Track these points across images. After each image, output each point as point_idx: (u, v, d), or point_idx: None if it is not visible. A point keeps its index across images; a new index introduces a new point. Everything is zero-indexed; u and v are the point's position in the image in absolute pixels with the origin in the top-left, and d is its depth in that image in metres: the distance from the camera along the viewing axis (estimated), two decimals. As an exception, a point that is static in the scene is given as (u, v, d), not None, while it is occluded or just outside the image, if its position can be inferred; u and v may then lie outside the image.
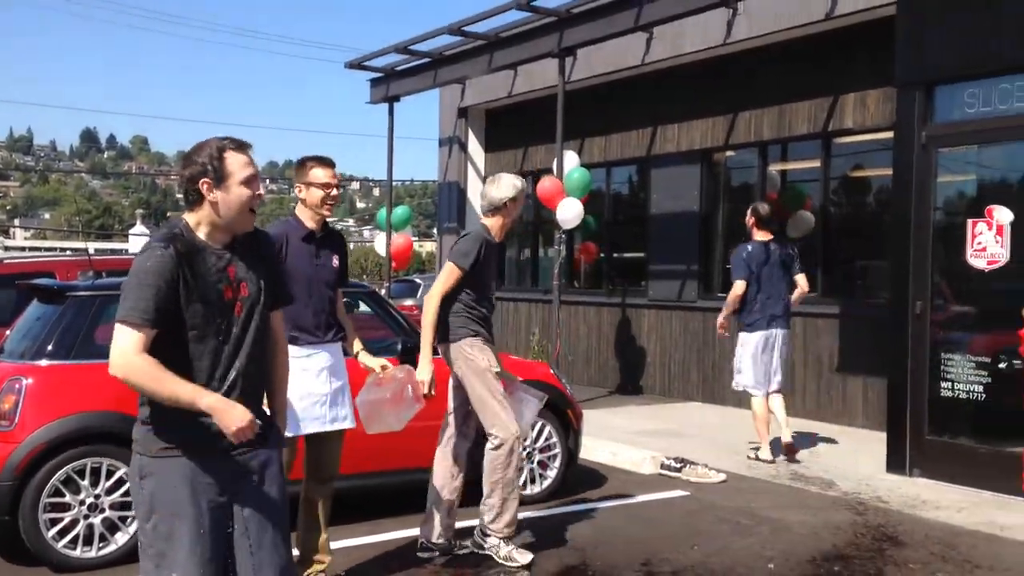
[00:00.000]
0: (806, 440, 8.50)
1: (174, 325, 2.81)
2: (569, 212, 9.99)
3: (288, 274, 3.93)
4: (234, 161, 2.91)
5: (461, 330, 5.02)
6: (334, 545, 4.81)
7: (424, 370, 4.90)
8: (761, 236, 7.79)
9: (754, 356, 7.73)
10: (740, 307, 7.78)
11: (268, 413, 3.15)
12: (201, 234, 2.93)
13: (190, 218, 2.95)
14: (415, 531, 5.35)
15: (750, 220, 7.88)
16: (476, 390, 5.00)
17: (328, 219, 4.68)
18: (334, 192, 4.58)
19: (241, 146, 2.95)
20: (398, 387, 4.64)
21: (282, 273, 3.30)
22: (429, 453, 5.28)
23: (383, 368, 4.63)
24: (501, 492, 5.01)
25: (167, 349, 2.81)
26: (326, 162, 4.59)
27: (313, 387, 4.49)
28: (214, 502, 2.88)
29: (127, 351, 2.74)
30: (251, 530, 2.93)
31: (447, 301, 5.02)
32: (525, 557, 5.06)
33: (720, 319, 7.92)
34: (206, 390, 2.81)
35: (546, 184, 10.26)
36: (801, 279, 7.87)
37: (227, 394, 2.87)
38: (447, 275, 5.00)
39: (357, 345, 4.77)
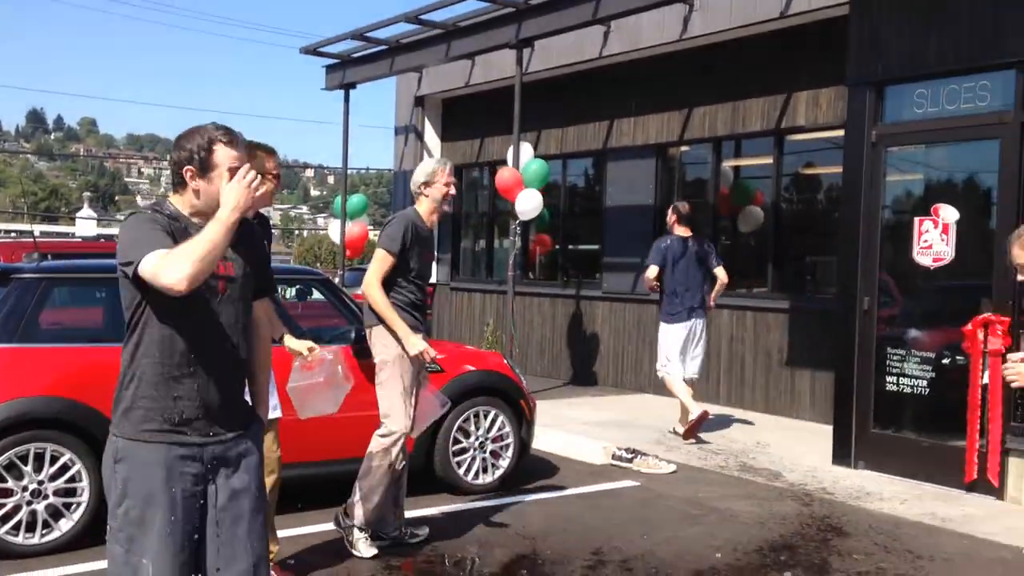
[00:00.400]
0: (754, 432, 8.62)
1: (156, 297, 2.74)
2: (528, 204, 10.00)
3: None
4: (222, 155, 2.85)
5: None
6: (281, 534, 4.79)
7: (416, 342, 4.92)
8: (680, 232, 8.27)
9: (682, 346, 8.21)
10: (661, 299, 8.37)
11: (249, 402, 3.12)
12: (186, 214, 2.89)
13: (175, 199, 2.92)
14: None
15: (671, 217, 8.39)
16: (383, 376, 5.02)
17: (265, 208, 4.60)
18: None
19: (232, 140, 2.89)
20: (329, 368, 4.55)
21: (269, 262, 3.24)
22: (362, 443, 5.19)
23: (310, 350, 4.53)
24: (369, 481, 4.98)
25: (152, 322, 2.78)
26: (266, 149, 4.44)
27: None
28: (188, 491, 2.80)
29: (153, 261, 2.65)
30: (223, 522, 2.86)
31: (384, 285, 5.00)
32: (370, 551, 5.00)
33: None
34: None
35: (505, 175, 10.26)
36: (720, 272, 8.33)
37: (202, 374, 2.83)
38: (378, 261, 5.00)
39: (280, 330, 4.63)
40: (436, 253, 5.21)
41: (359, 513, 5.02)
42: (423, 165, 5.21)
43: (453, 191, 5.17)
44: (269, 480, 4.47)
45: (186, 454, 2.81)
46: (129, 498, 2.78)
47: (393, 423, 5.00)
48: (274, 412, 4.54)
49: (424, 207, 5.15)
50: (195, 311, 2.81)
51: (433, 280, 14.76)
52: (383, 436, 5.01)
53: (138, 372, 2.82)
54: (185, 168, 2.86)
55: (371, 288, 4.97)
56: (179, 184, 2.89)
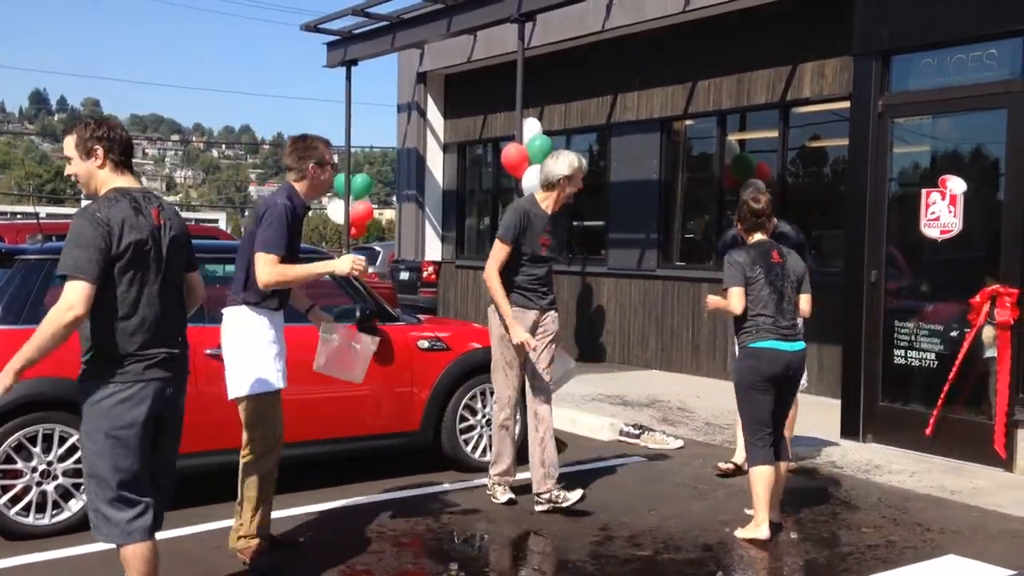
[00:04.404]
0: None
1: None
2: (535, 180, 9.93)
3: (296, 235, 4.51)
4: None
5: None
6: (280, 514, 4.79)
7: (518, 333, 5.38)
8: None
9: None
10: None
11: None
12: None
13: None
14: (356, 499, 5.46)
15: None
16: (493, 354, 5.60)
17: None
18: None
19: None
20: (348, 333, 5.00)
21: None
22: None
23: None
24: (494, 444, 5.67)
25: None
26: (327, 141, 4.68)
27: (278, 346, 4.56)
28: (152, 419, 3.39)
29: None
30: (163, 444, 3.53)
31: (503, 272, 5.49)
32: (504, 496, 5.61)
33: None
34: None
35: (511, 152, 10.21)
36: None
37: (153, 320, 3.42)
38: (494, 250, 5.52)
39: (307, 301, 4.99)
40: (547, 235, 5.63)
41: (493, 469, 5.68)
42: (565, 158, 5.60)
43: (580, 188, 5.69)
44: (269, 457, 4.49)
45: (159, 393, 3.51)
46: (113, 423, 3.42)
47: (497, 393, 5.63)
48: (279, 382, 4.57)
49: (551, 196, 5.61)
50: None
51: (438, 258, 14.81)
52: (495, 404, 5.70)
53: None
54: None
55: (490, 277, 5.50)
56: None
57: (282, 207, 4.42)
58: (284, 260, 4.37)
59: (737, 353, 5.34)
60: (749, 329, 5.08)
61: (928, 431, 6.69)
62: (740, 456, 6.39)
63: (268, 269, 4.32)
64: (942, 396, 6.60)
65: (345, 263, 4.38)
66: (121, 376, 3.34)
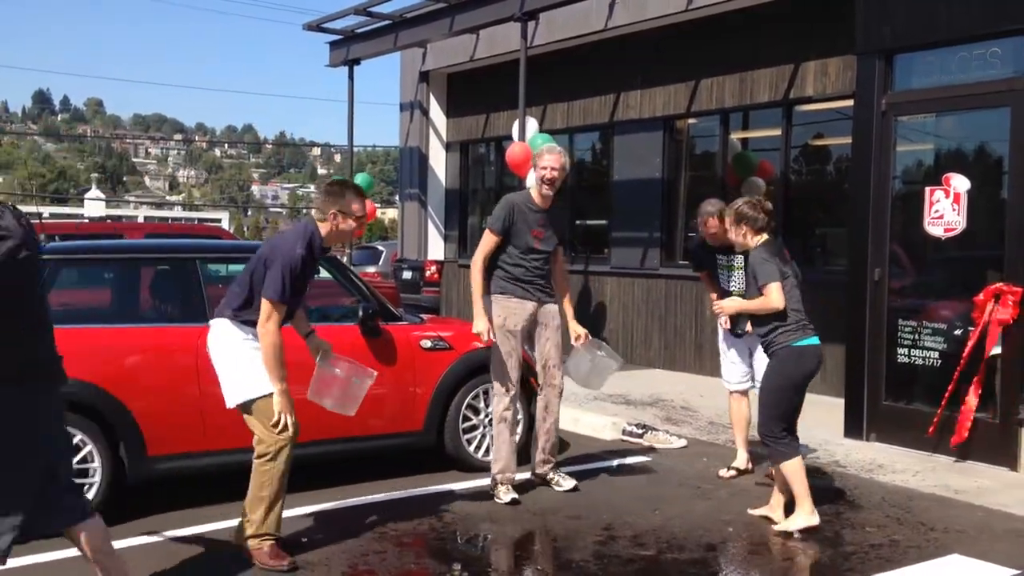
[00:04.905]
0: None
1: None
2: (536, 179, 9.94)
3: (297, 290, 4.55)
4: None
5: (494, 286, 5.65)
6: (284, 514, 4.80)
7: (477, 323, 5.53)
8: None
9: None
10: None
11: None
12: None
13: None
14: (359, 499, 5.49)
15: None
16: (493, 344, 5.62)
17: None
18: (359, 227, 4.81)
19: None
20: (349, 368, 4.87)
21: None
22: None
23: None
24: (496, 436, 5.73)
25: None
26: (361, 193, 4.78)
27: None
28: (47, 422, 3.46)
29: None
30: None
31: (490, 262, 5.62)
32: (507, 497, 5.60)
33: None
34: None
35: (516, 150, 10.20)
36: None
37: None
38: (482, 239, 5.66)
39: (307, 326, 4.96)
40: (540, 228, 5.72)
41: (493, 467, 5.71)
42: (543, 147, 5.78)
43: (548, 175, 5.60)
44: (281, 456, 4.49)
45: (51, 399, 3.57)
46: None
47: (495, 382, 5.66)
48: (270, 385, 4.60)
49: (535, 188, 5.71)
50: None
51: (441, 257, 14.80)
52: (493, 395, 5.75)
53: None
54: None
55: (473, 264, 5.65)
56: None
57: (297, 258, 4.50)
58: (285, 303, 4.48)
59: (772, 352, 5.18)
60: (791, 327, 5.06)
61: (931, 430, 6.67)
62: (743, 460, 6.37)
63: (267, 323, 4.43)
64: (946, 395, 6.57)
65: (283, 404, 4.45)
66: None
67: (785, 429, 5.13)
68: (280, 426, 4.42)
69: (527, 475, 5.97)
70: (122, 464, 5.13)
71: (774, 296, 5.03)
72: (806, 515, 5.07)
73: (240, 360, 4.51)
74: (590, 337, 5.93)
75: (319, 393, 4.81)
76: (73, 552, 4.63)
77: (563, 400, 5.98)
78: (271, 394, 4.45)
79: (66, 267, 5.64)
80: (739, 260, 6.03)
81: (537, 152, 5.74)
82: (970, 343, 6.44)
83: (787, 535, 5.07)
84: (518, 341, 5.63)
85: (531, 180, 8.28)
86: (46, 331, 3.47)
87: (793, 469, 5.08)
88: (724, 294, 6.19)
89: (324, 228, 4.64)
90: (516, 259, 5.62)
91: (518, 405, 5.85)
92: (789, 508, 5.22)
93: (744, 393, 6.42)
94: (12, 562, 4.39)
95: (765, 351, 5.30)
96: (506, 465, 5.67)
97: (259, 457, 4.51)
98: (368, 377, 4.90)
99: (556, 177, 5.63)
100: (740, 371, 6.39)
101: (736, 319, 6.12)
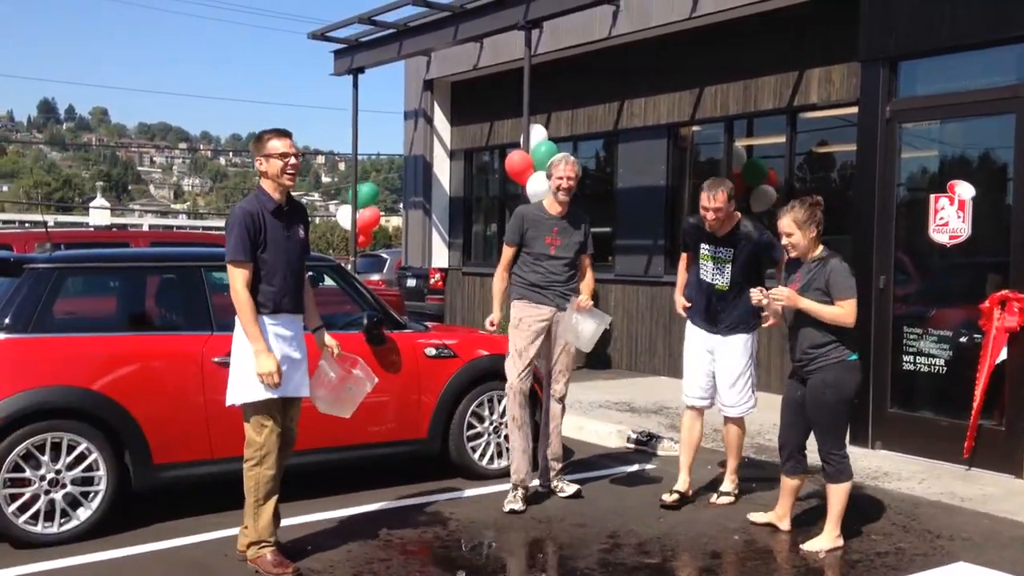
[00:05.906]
0: (769, 413, 8.56)
1: None
2: (539, 187, 9.94)
3: (268, 249, 4.42)
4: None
5: (513, 292, 5.88)
6: (287, 522, 4.80)
7: (492, 317, 5.90)
8: None
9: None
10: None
11: None
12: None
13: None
14: (364, 507, 5.52)
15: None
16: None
17: (293, 192, 4.71)
18: (293, 161, 4.59)
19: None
20: (342, 380, 4.82)
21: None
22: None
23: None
24: (511, 442, 5.85)
25: None
26: (282, 132, 4.63)
27: (293, 354, 4.60)
28: None
29: None
30: None
31: (522, 272, 5.84)
32: (513, 505, 5.62)
33: None
34: None
35: (515, 159, 10.22)
36: None
37: None
38: (502, 254, 5.92)
39: (316, 320, 4.87)
40: (555, 236, 5.89)
41: (511, 469, 5.81)
42: (555, 156, 5.99)
43: (564, 184, 5.76)
44: (267, 460, 4.50)
45: None
46: None
47: (508, 380, 5.77)
48: (304, 390, 4.65)
49: (548, 197, 5.91)
50: None
51: (445, 265, 14.81)
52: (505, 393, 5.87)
53: None
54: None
55: (496, 274, 5.95)
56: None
57: (239, 212, 4.49)
58: (267, 263, 4.45)
59: (823, 366, 5.03)
60: (847, 341, 5.05)
61: (967, 448, 6.57)
62: (684, 483, 5.89)
63: (233, 285, 4.43)
64: (976, 409, 6.48)
65: (263, 365, 4.38)
66: None
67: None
68: (267, 383, 4.41)
69: (535, 482, 5.97)
70: (127, 472, 5.13)
71: (853, 312, 4.96)
72: (837, 537, 5.05)
73: (242, 362, 4.51)
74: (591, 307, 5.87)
75: (312, 391, 4.79)
76: (71, 561, 4.66)
77: (568, 408, 5.99)
78: (263, 400, 4.46)
79: (71, 275, 5.65)
80: (727, 253, 5.72)
81: (551, 162, 5.89)
82: (984, 351, 6.38)
83: (811, 553, 5.02)
84: (530, 342, 5.71)
85: (532, 188, 8.40)
86: None
87: (847, 489, 5.07)
88: (696, 284, 5.89)
89: (267, 184, 4.59)
90: (532, 266, 5.81)
91: (528, 409, 5.83)
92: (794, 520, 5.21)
93: (701, 412, 5.98)
94: (9, 571, 4.41)
95: (806, 364, 5.07)
96: (515, 468, 5.74)
97: (246, 461, 4.54)
98: (367, 383, 4.88)
99: (572, 185, 5.80)
100: (703, 386, 5.89)
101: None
